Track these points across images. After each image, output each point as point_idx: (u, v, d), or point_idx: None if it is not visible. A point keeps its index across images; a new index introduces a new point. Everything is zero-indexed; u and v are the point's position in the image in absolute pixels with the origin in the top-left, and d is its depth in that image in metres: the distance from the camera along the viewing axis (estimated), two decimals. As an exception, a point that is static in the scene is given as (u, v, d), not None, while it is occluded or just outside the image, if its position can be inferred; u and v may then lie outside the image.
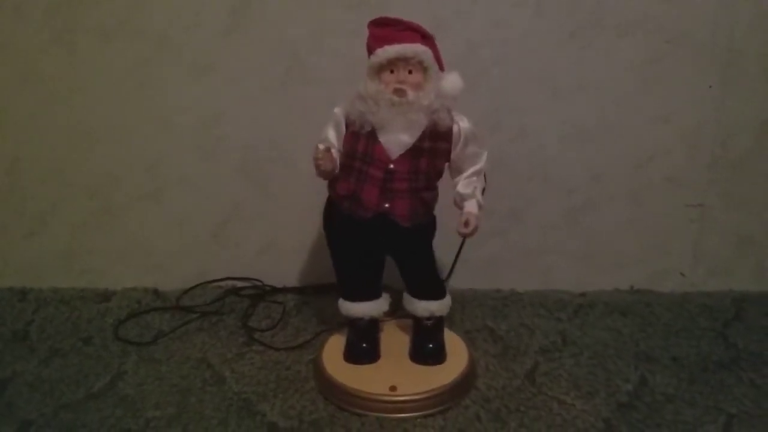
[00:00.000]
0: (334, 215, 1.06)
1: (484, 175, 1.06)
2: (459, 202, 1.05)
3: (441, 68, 1.02)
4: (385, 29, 0.99)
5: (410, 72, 0.98)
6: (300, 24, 1.26)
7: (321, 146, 1.00)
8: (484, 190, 1.06)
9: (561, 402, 1.06)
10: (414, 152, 1.00)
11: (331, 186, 1.05)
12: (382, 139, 0.99)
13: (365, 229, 1.03)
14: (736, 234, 1.40)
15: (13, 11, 1.25)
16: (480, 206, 1.04)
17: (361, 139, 1.00)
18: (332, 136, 1.03)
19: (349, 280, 1.12)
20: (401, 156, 1.00)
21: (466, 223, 1.02)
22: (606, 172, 1.35)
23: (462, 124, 1.01)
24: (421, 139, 0.99)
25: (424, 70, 0.98)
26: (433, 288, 1.12)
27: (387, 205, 1.01)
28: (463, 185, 1.04)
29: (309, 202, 1.28)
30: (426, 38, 1.00)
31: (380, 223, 1.02)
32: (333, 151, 1.01)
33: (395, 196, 1.01)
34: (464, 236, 1.05)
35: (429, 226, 1.08)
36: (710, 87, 1.29)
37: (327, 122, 1.04)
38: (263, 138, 1.33)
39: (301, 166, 1.29)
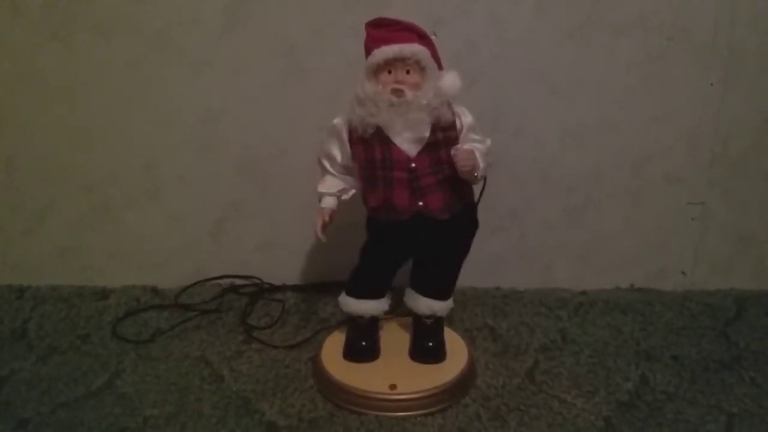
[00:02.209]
0: (374, 226, 1.06)
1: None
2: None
3: (439, 67, 1.01)
4: (382, 30, 0.99)
5: (408, 72, 0.98)
6: (298, 22, 1.26)
7: (324, 216, 1.04)
8: (487, 166, 1.02)
9: (561, 400, 1.06)
10: (431, 146, 1.00)
11: (364, 201, 1.05)
12: (396, 140, 0.99)
13: (405, 232, 1.03)
14: (737, 232, 1.40)
15: (11, 7, 1.25)
16: (480, 154, 0.99)
17: (375, 147, 1.00)
18: (336, 154, 1.04)
19: (365, 280, 1.11)
20: (420, 152, 0.99)
21: (462, 156, 0.97)
22: (606, 171, 1.35)
23: (464, 118, 1.02)
24: (433, 131, 0.99)
25: (422, 69, 0.98)
26: (444, 287, 1.12)
27: (420, 204, 1.01)
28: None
29: (308, 199, 1.27)
30: (423, 38, 1.00)
31: (419, 223, 1.01)
32: (334, 203, 1.06)
33: (426, 193, 1.01)
34: (464, 170, 0.98)
35: (469, 220, 1.07)
36: (711, 84, 1.29)
37: (328, 136, 1.04)
38: (261, 136, 1.32)
39: (300, 163, 1.29)
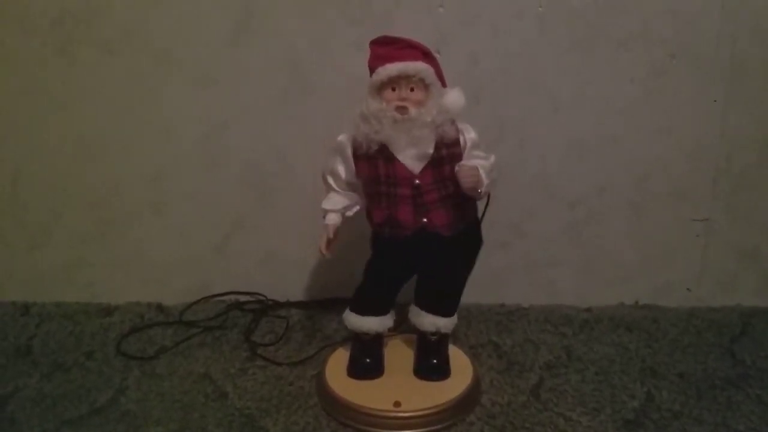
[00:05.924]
0: (379, 242, 1.06)
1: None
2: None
3: (443, 84, 1.02)
4: (386, 48, 1.00)
5: (412, 89, 0.99)
6: (303, 37, 1.27)
7: (328, 233, 1.05)
8: (492, 182, 1.02)
9: (566, 418, 1.05)
10: (435, 162, 1.00)
11: (369, 217, 1.06)
12: (399, 157, 1.00)
13: (409, 248, 1.03)
14: (742, 248, 1.39)
15: (18, 24, 1.26)
16: (484, 171, 0.99)
17: (379, 164, 1.01)
18: (341, 171, 1.05)
19: (369, 296, 1.11)
20: (424, 169, 1.00)
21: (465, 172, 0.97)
22: (609, 186, 1.35)
23: (467, 134, 1.02)
24: (437, 148, 1.00)
25: (426, 87, 0.99)
26: (448, 304, 1.11)
27: (424, 220, 1.01)
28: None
29: (312, 215, 1.27)
30: (427, 56, 1.01)
31: (422, 239, 1.02)
32: (338, 220, 1.06)
33: (430, 209, 1.01)
34: (467, 186, 0.98)
35: (473, 237, 1.07)
36: (715, 101, 1.29)
37: (333, 153, 1.05)
38: (266, 151, 1.33)
39: (305, 179, 1.29)
